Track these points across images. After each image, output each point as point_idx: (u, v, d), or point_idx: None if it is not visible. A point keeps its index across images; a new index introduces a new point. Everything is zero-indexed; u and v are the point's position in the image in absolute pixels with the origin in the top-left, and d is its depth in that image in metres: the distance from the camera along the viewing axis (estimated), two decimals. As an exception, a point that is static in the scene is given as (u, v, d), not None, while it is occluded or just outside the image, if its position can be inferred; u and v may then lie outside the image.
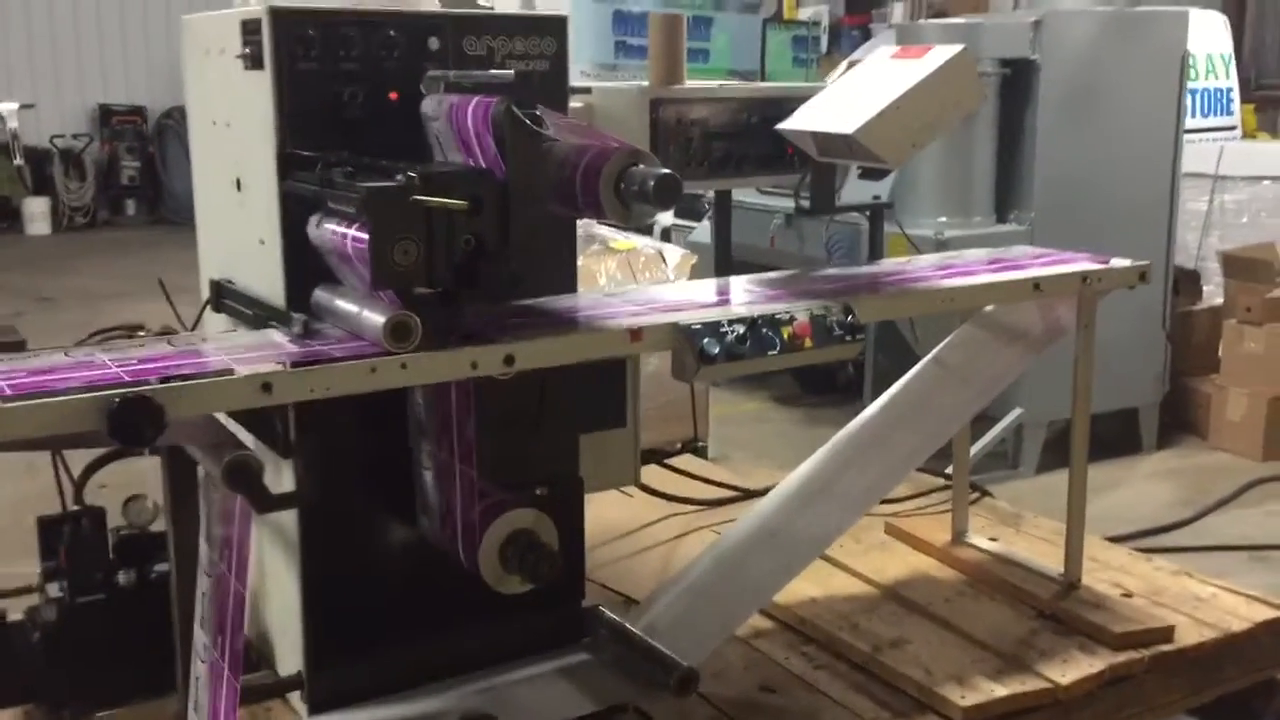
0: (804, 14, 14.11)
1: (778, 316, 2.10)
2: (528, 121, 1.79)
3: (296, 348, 1.84)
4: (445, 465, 2.05)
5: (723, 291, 2.39)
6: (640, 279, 4.33)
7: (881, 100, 2.24)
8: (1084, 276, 2.53)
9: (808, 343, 2.10)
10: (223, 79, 2.12)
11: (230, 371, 1.68)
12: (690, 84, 2.49)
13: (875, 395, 2.74)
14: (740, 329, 2.05)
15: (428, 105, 2.01)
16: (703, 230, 5.46)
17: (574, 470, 2.30)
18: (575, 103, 2.42)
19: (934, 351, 2.76)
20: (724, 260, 2.73)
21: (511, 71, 2.03)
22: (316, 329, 1.92)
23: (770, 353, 2.06)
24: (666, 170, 1.83)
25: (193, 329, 2.27)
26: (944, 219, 4.26)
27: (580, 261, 4.39)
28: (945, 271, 2.54)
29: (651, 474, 3.06)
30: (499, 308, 2.03)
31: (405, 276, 1.74)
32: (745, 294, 2.36)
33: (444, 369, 1.82)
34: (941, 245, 4.08)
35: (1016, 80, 4.30)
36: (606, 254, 4.34)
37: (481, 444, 2.02)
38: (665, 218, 8.89)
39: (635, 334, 2.00)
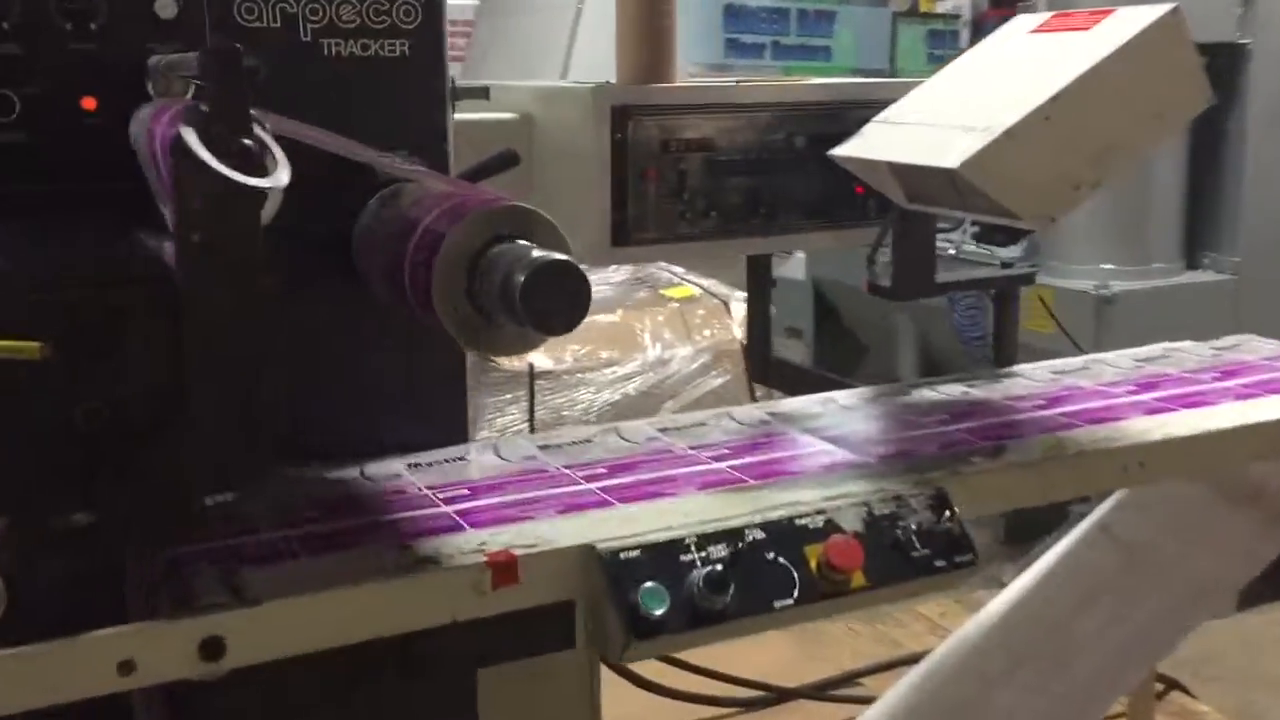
0: (942, 6, 12.85)
1: (799, 521, 1.09)
2: (210, 161, 0.81)
3: None
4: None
5: (728, 451, 1.35)
6: (697, 338, 3.33)
7: (1014, 109, 1.20)
8: (1381, 412, 1.43)
9: (857, 578, 1.08)
10: None
11: None
12: (688, 82, 1.49)
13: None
14: (721, 556, 1.05)
15: (135, 122, 1.08)
16: (795, 264, 4.36)
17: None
18: (490, 114, 1.45)
19: (1098, 513, 1.70)
20: (760, 362, 1.71)
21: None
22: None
23: (779, 604, 1.05)
24: (558, 256, 0.84)
25: None
26: (1109, 265, 3.12)
27: (617, 316, 3.46)
28: (1149, 394, 1.46)
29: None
30: (249, 506, 1.08)
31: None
32: (770, 441, 1.36)
33: (55, 684, 0.87)
34: (1105, 305, 2.96)
35: (1216, 74, 3.14)
36: (654, 304, 3.36)
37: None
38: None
39: (502, 571, 1.01)
